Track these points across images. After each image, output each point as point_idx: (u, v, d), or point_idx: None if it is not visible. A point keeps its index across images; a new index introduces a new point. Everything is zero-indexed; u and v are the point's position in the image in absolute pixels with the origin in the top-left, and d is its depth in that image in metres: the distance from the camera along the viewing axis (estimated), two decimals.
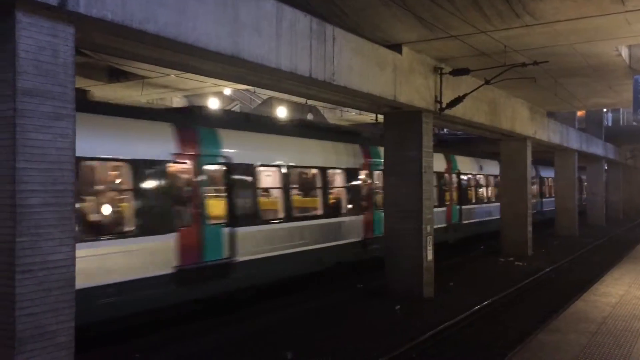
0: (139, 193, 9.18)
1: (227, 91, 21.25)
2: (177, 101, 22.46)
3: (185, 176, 10.23)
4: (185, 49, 7.19)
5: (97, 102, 9.78)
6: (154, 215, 9.37)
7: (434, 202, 13.51)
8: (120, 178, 9.31)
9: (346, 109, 23.45)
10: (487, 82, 13.08)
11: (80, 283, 6.50)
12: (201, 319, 10.51)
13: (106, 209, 9.02)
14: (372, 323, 10.67)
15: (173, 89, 17.72)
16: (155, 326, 9.65)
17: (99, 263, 8.34)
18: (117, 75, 15.50)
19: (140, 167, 9.22)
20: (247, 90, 21.29)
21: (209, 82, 15.62)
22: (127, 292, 8.74)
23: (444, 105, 12.83)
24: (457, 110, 13.46)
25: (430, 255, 12.92)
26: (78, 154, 6.19)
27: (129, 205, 9.15)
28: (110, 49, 7.47)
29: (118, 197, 9.26)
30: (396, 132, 12.96)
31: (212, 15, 7.17)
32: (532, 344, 7.77)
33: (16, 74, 5.40)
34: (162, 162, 9.61)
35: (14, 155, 5.43)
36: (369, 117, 23.24)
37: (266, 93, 20.46)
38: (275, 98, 21.30)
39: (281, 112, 21.70)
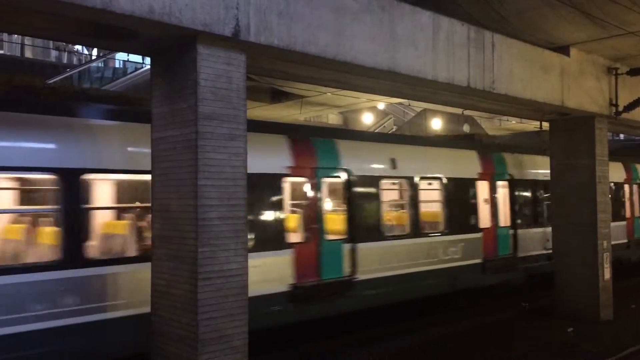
0: (462, 202, 12.69)
1: (381, 105, 21.49)
2: (332, 118, 23.24)
3: (484, 189, 13.49)
4: (343, 67, 7.42)
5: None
6: (470, 218, 12.86)
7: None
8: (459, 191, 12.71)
9: (506, 117, 22.36)
10: None
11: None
12: (375, 327, 10.75)
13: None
14: (544, 345, 9.94)
15: (329, 106, 18.39)
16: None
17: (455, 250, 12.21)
18: (278, 96, 16.52)
19: (462, 183, 12.76)
20: (401, 103, 21.33)
21: (363, 98, 15.95)
22: (463, 273, 12.30)
23: (620, 109, 11.64)
24: (637, 114, 12.12)
25: (607, 274, 11.73)
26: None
27: (460, 211, 12.66)
28: (276, 72, 7.99)
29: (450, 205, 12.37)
30: (564, 139, 12.04)
31: (368, 33, 7.32)
32: None
33: (197, 100, 6.01)
34: (473, 180, 13.05)
35: (196, 174, 6.03)
36: (531, 125, 21.88)
37: (420, 105, 20.30)
38: (430, 110, 21.03)
39: (436, 124, 21.37)
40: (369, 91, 10.22)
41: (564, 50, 10.60)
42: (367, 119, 22.35)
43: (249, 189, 6.58)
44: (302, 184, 9.86)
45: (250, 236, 8.22)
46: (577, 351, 9.52)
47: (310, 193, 9.77)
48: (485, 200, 13.42)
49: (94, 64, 19.94)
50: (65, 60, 22.73)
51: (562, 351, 9.57)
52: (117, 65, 21.49)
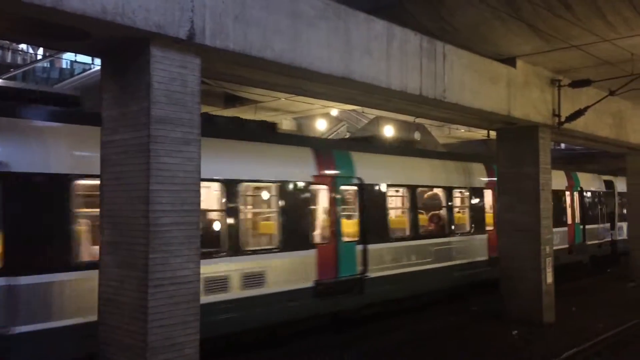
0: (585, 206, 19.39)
1: (334, 112, 21.62)
2: (286, 123, 23.21)
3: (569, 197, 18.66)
4: (299, 73, 7.45)
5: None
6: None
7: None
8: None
9: (455, 126, 22.91)
10: (611, 93, 12.24)
11: None
12: (325, 336, 10.74)
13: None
14: (489, 348, 10.22)
15: (283, 111, 18.39)
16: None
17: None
18: (232, 101, 16.40)
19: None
20: (354, 110, 21.52)
21: (317, 104, 16.03)
22: None
23: (562, 119, 12.15)
24: (578, 124, 12.68)
25: (549, 278, 12.18)
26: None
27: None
28: (231, 76, 7.93)
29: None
30: (510, 148, 12.46)
31: (324, 40, 7.38)
32: None
33: (150, 103, 5.89)
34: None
35: (148, 178, 5.90)
36: (479, 134, 22.52)
37: (373, 113, 20.56)
38: (382, 117, 21.31)
39: (388, 132, 21.67)
40: (324, 97, 10.28)
41: (510, 61, 10.99)
42: (321, 126, 22.43)
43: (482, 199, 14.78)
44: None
45: (473, 224, 14.60)
46: (522, 353, 9.83)
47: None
48: (569, 204, 19.04)
49: (39, 64, 19.21)
50: (9, 60, 21.80)
51: (507, 353, 9.86)
52: (64, 66, 20.77)
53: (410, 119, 19.29)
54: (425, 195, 14.09)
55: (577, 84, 12.13)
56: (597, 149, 18.76)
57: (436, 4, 8.75)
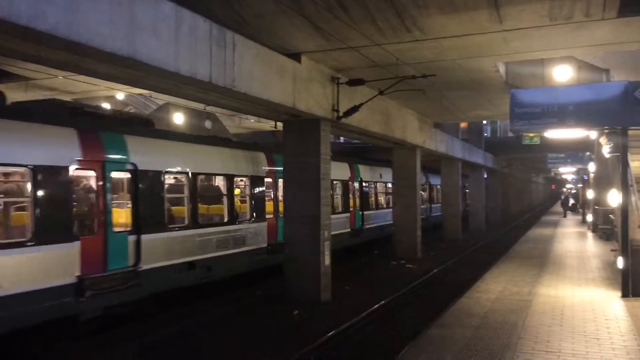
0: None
1: (120, 95, 20.43)
2: None
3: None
4: (77, 49, 6.90)
5: None
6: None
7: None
8: None
9: (245, 116, 23.42)
10: (380, 93, 13.70)
11: None
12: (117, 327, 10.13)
13: None
14: (271, 328, 10.75)
15: (61, 91, 16.74)
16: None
17: None
18: None
19: None
20: (142, 95, 20.60)
21: (101, 86, 14.96)
22: None
23: (340, 114, 13.26)
24: (353, 120, 13.96)
25: (327, 260, 13.25)
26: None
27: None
28: None
29: None
30: (295, 139, 13.19)
31: (106, 15, 6.95)
32: (422, 340, 8.22)
33: None
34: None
35: None
36: (268, 125, 23.37)
37: (163, 98, 19.92)
38: (172, 104, 20.79)
39: (178, 119, 21.22)
40: (109, 78, 9.65)
41: (296, 57, 11.63)
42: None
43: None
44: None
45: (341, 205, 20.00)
46: (302, 330, 10.55)
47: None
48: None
49: None
50: None
51: (289, 331, 10.50)
52: None
53: (201, 106, 19.18)
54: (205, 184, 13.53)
55: (352, 82, 13.33)
56: (371, 143, 20.86)
57: None
